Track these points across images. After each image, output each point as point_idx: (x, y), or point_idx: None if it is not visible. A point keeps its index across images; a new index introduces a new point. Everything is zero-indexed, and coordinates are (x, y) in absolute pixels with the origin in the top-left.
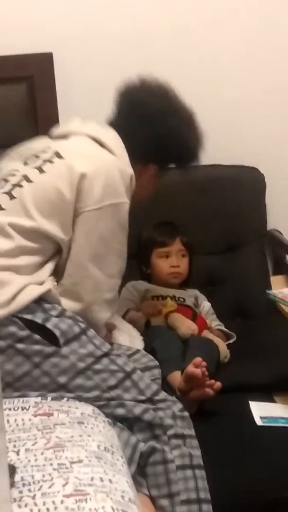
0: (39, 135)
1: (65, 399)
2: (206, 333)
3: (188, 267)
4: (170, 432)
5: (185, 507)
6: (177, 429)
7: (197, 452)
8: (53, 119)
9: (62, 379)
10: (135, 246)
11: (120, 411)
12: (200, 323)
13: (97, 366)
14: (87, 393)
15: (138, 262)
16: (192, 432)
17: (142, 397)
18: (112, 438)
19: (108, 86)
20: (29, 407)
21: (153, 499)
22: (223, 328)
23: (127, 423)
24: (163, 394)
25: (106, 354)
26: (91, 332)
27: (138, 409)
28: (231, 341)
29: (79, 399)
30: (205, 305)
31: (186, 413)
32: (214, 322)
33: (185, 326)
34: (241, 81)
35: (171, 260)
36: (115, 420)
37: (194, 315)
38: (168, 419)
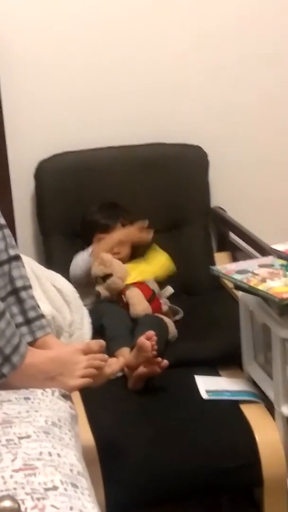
0: None
1: None
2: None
3: (131, 248)
4: None
5: None
6: None
7: None
8: None
9: None
10: (79, 226)
11: None
12: (155, 306)
13: None
14: None
15: (81, 242)
16: None
17: None
18: (59, 411)
19: (53, 63)
20: None
21: None
22: (169, 304)
23: None
24: None
25: None
26: None
27: None
28: (178, 317)
29: None
30: None
31: None
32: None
33: (142, 308)
34: (184, 60)
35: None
36: None
37: (152, 297)
38: None
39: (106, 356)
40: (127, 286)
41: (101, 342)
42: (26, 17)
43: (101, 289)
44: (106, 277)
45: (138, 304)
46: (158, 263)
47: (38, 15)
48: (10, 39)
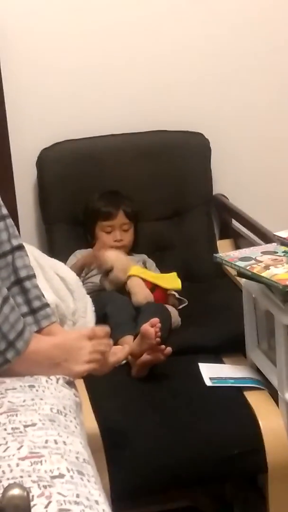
0: None
1: None
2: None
3: (133, 235)
4: None
5: None
6: None
7: None
8: None
9: None
10: (82, 214)
11: None
12: (158, 296)
13: None
14: None
15: (84, 231)
16: None
17: None
18: (64, 399)
19: (54, 52)
20: None
21: None
22: (177, 296)
23: None
24: None
25: None
26: None
27: None
28: (181, 306)
29: None
30: (152, 264)
31: None
32: None
33: (143, 296)
34: (185, 47)
35: (114, 235)
36: None
37: (153, 287)
38: None
39: (111, 341)
40: (129, 278)
41: (106, 328)
42: (26, 7)
43: (106, 283)
44: (108, 271)
45: (139, 292)
46: (164, 275)
47: (38, 4)
48: (11, 29)
